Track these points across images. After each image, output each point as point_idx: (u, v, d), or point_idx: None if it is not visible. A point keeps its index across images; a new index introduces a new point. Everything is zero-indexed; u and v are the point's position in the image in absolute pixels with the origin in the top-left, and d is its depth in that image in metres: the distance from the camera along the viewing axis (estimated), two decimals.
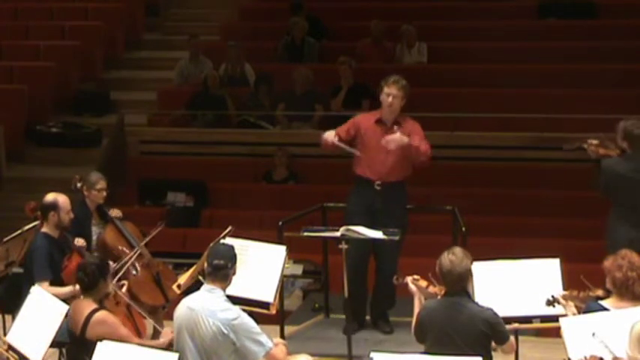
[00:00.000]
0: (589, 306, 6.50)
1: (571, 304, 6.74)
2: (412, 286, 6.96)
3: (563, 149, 8.71)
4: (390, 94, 8.40)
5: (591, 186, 8.63)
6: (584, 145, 8.45)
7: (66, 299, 7.17)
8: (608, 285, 6.49)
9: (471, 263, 6.49)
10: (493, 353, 6.53)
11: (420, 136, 8.45)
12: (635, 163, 8.24)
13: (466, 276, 6.46)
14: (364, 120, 8.61)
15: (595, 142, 8.44)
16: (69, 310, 6.90)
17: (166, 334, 6.94)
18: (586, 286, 6.84)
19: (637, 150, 8.25)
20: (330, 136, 8.44)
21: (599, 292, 6.71)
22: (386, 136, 8.33)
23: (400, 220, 8.40)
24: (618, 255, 6.46)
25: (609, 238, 8.27)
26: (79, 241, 7.93)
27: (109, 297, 7.08)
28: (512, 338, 6.57)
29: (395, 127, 8.40)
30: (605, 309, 6.35)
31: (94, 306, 6.84)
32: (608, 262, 6.46)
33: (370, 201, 8.48)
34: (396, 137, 8.30)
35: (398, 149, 8.36)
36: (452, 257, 6.44)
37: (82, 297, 6.99)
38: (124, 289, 7.50)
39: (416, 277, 7.05)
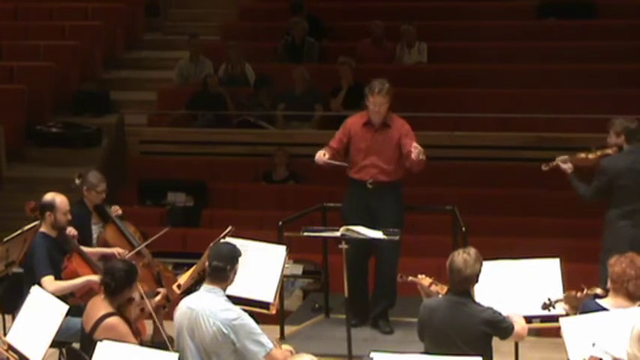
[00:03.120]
0: (586, 304, 6.49)
1: (567, 306, 6.73)
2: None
3: (543, 169, 8.83)
4: (376, 103, 8.45)
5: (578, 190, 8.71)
6: (558, 162, 8.58)
7: (66, 298, 7.17)
8: (609, 283, 6.49)
9: (481, 268, 6.49)
10: (493, 353, 6.54)
11: (412, 138, 8.47)
12: (636, 156, 8.32)
13: (473, 279, 6.46)
14: (354, 123, 8.68)
15: (565, 157, 8.55)
16: (86, 305, 6.87)
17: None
18: (584, 287, 6.84)
19: (636, 143, 8.33)
20: (319, 155, 8.51)
21: (598, 291, 6.71)
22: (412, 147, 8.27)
23: (395, 220, 8.42)
24: (623, 255, 6.47)
25: (610, 239, 8.26)
26: (71, 230, 7.91)
27: (132, 302, 6.82)
28: (517, 326, 6.54)
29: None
30: (602, 307, 6.35)
31: (110, 309, 6.72)
32: (612, 260, 6.46)
33: (365, 201, 8.52)
34: (420, 149, 8.25)
35: (390, 151, 8.46)
36: (466, 256, 6.43)
37: (102, 296, 6.85)
38: (158, 297, 7.35)
39: (420, 276, 7.08)
